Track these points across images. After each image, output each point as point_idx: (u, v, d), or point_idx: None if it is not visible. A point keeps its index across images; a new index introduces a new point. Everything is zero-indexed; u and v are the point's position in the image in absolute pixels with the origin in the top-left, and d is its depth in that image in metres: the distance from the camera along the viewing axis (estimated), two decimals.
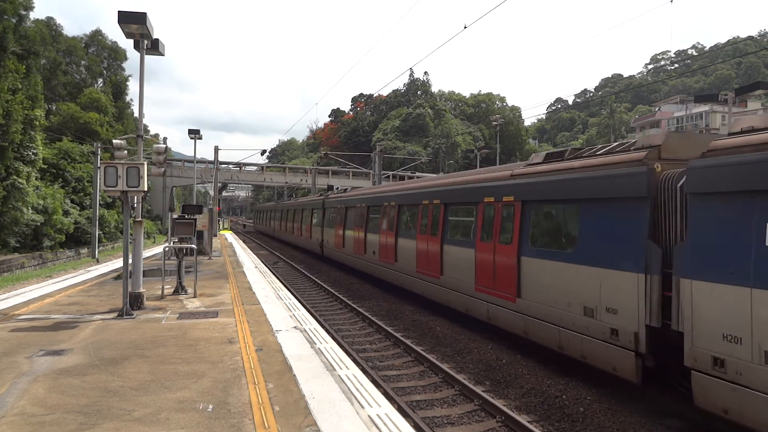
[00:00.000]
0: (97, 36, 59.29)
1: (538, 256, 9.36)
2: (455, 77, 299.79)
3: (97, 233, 33.23)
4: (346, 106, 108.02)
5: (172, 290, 12.77)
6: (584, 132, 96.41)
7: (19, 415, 5.18)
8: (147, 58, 11.41)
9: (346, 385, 6.15)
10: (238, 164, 69.50)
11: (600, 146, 9.05)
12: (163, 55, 11.71)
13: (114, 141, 12.02)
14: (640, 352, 7.02)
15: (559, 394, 8.04)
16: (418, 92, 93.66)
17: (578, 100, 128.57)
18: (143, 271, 11.58)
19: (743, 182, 5.71)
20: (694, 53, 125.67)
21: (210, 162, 51.03)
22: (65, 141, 41.35)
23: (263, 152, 44.80)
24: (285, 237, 41.54)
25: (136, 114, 36.54)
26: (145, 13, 10.28)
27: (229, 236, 44.19)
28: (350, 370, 6.74)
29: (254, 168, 75.94)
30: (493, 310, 10.62)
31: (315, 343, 8.08)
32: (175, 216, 15.97)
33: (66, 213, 35.33)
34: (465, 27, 16.33)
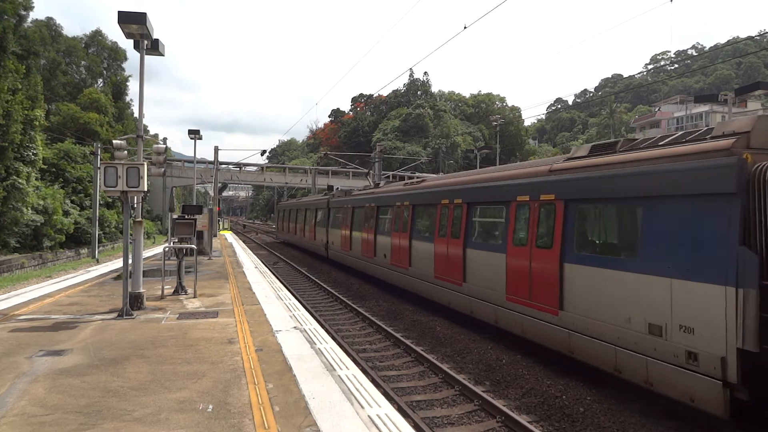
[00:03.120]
0: (97, 36, 59.21)
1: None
2: (455, 77, 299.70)
3: (97, 233, 33.25)
4: (346, 107, 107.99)
5: (172, 290, 12.77)
6: (584, 132, 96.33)
7: (19, 415, 5.18)
8: (147, 58, 11.42)
9: (346, 385, 6.15)
10: (238, 164, 69.59)
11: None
12: (163, 55, 11.72)
13: (114, 141, 12.02)
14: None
15: (559, 394, 8.04)
16: (418, 92, 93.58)
17: (578, 100, 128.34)
18: (143, 271, 11.58)
19: None
20: (694, 53, 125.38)
21: (210, 162, 51.06)
22: (67, 142, 41.36)
23: (263, 152, 44.93)
24: (402, 279, 16.04)
25: (136, 114, 36.56)
26: (145, 14, 10.29)
27: (229, 236, 44.17)
28: (350, 371, 6.74)
29: (254, 168, 76.16)
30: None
31: (315, 344, 8.08)
32: (175, 216, 15.99)
33: (66, 213, 35.33)
34: (465, 27, 16.34)
